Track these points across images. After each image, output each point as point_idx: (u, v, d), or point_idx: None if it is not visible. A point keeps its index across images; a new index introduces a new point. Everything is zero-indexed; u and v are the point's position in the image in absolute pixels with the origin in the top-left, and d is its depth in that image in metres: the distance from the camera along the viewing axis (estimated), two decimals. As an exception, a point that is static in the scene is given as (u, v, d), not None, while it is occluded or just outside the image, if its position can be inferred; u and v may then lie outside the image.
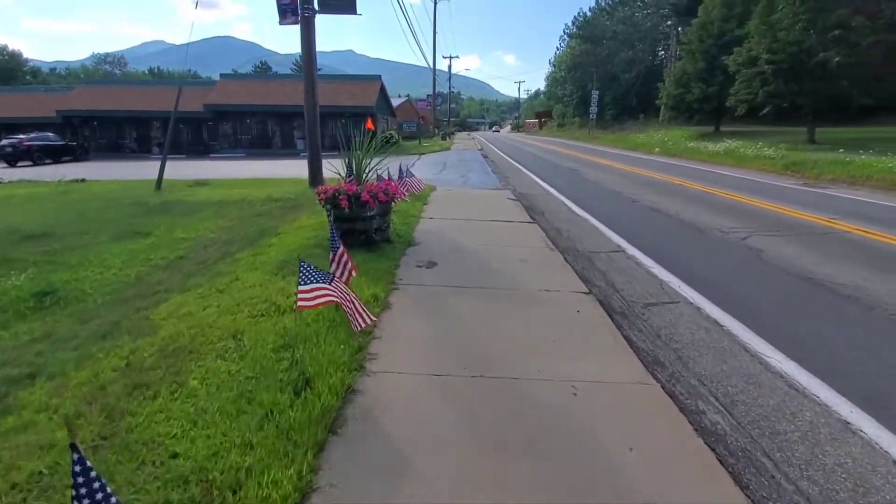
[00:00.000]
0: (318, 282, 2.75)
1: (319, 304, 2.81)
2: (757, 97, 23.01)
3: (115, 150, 35.81)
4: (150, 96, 36.14)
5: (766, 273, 5.40)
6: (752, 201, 10.17)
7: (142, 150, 35.88)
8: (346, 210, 5.11)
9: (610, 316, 3.89)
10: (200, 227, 7.53)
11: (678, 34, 41.82)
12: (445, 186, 12.42)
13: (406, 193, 7.64)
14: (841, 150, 17.52)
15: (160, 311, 3.87)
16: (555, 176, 15.52)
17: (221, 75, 36.93)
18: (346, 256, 3.46)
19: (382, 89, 35.59)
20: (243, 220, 7.88)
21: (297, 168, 20.56)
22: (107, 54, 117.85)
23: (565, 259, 5.44)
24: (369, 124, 11.76)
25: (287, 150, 34.40)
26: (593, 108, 50.32)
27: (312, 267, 2.80)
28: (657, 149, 28.75)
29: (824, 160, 16.78)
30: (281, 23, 10.81)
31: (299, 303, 2.72)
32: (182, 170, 20.62)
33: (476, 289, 4.27)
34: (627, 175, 15.67)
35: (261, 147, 34.64)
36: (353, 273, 3.55)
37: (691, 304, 4.50)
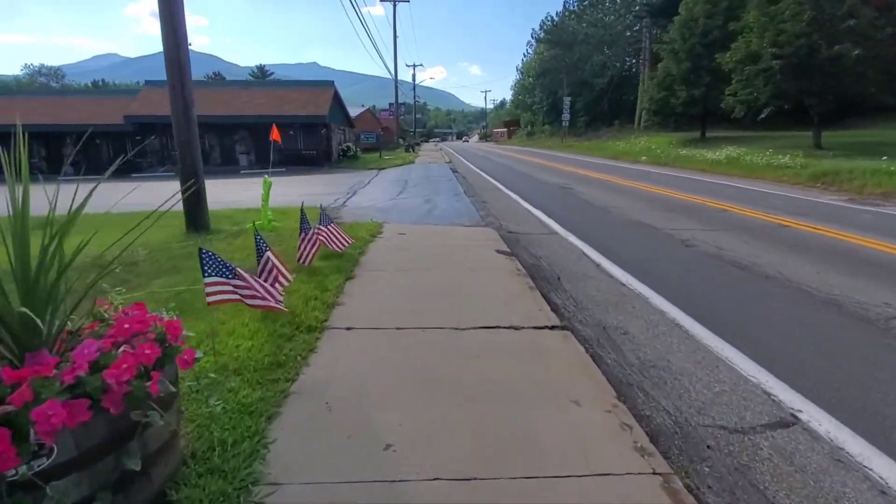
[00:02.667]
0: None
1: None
2: (759, 97, 20.24)
3: (18, 172, 30.38)
4: (62, 108, 31.06)
5: None
6: (852, 238, 6.77)
7: (52, 170, 30.53)
8: None
9: None
10: None
11: (651, 35, 39.62)
12: (401, 222, 8.59)
13: (278, 296, 3.48)
14: (884, 158, 14.68)
15: None
16: (547, 198, 11.91)
17: (147, 82, 32.07)
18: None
19: (337, 97, 31.55)
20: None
21: (224, 191, 16.23)
22: (41, 65, 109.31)
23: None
24: (274, 134, 7.85)
25: (227, 166, 29.82)
26: (566, 115, 47.74)
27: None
28: (644, 157, 25.86)
29: (861, 169, 13.86)
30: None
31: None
32: (63, 198, 16.00)
33: None
34: (635, 193, 12.24)
35: (196, 164, 29.96)
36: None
37: None
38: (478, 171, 21.70)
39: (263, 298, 2.89)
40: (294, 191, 15.81)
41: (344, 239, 5.43)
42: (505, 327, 3.56)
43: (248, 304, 2.89)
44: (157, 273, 5.25)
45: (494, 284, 4.60)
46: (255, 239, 3.55)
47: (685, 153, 23.62)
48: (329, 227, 5.30)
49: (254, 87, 33.08)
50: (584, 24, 48.69)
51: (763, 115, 21.72)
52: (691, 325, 3.97)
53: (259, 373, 2.72)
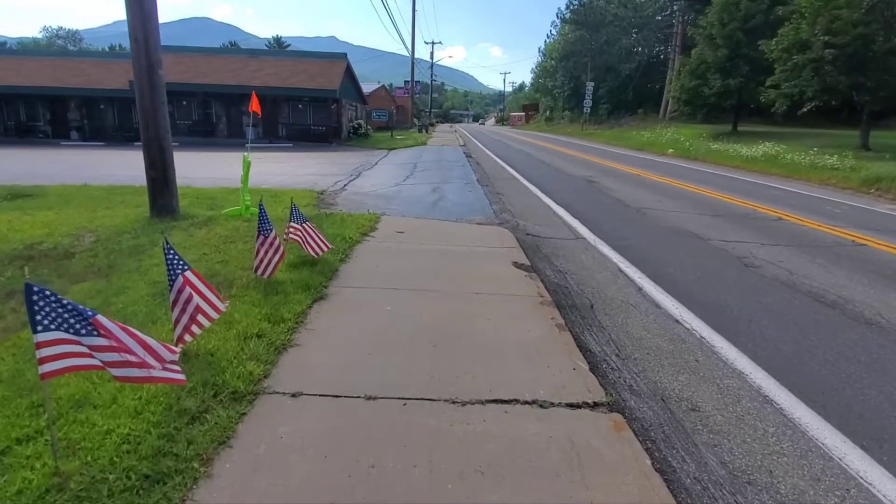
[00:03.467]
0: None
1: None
2: (806, 91, 18.48)
3: (24, 135, 29.64)
4: (68, 71, 30.00)
5: None
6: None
7: (56, 134, 29.77)
8: None
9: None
10: None
11: (685, 20, 37.33)
12: (402, 214, 7.44)
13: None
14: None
15: None
16: (571, 193, 10.64)
17: (154, 47, 30.86)
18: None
19: (349, 71, 30.14)
20: None
21: (220, 164, 14.86)
22: (60, 28, 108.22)
23: None
24: (254, 104, 6.71)
25: (235, 138, 28.74)
26: (587, 102, 45.68)
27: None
28: (671, 150, 24.26)
29: (920, 176, 12.40)
30: None
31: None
32: (60, 163, 15.16)
33: None
34: (669, 191, 10.90)
35: (202, 135, 28.94)
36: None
37: None
38: (494, 157, 20.35)
39: (142, 366, 1.77)
40: (295, 169, 14.70)
41: (322, 242, 4.28)
42: (526, 402, 2.42)
43: (115, 376, 1.79)
44: (85, 273, 4.17)
45: (512, 319, 3.45)
46: (166, 255, 2.42)
47: (717, 147, 22.01)
48: (304, 225, 4.16)
49: (263, 56, 31.75)
50: (614, 5, 46.16)
51: (804, 111, 19.99)
52: (790, 404, 2.79)
53: (116, 499, 1.61)
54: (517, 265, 4.76)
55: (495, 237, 6.06)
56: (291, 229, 4.07)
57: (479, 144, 29.72)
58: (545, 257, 5.48)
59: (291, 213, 4.04)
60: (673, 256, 5.75)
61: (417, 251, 5.07)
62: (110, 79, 29.52)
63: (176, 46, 32.16)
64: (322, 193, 9.73)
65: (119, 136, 28.82)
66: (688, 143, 24.69)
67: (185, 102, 28.68)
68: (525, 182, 12.18)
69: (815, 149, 17.40)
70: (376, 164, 16.57)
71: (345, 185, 11.11)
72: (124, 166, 15.39)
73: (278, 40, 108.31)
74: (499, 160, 18.59)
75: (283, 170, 14.51)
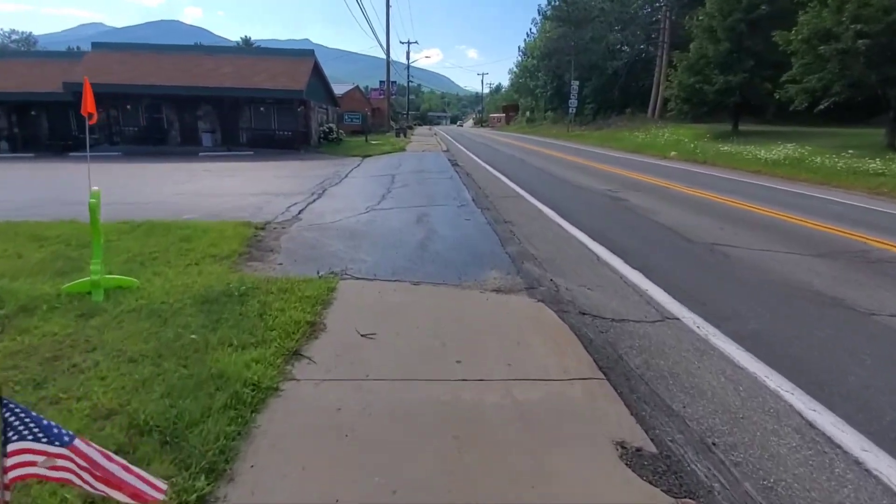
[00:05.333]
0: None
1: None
2: (832, 86, 16.42)
3: (-58, 145, 25.79)
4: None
5: None
6: None
7: (-18, 144, 26.00)
8: None
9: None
10: None
11: (672, 15, 35.55)
12: (374, 273, 4.75)
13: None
14: None
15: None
16: (600, 218, 8.09)
17: (94, 45, 27.38)
18: None
19: (317, 69, 27.17)
20: None
21: (154, 181, 10.71)
22: (12, 31, 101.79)
23: None
24: (87, 104, 3.89)
25: (189, 146, 25.41)
26: (573, 101, 43.61)
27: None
28: (673, 152, 22.11)
29: None
30: None
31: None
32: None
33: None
34: (723, 213, 8.43)
35: (152, 143, 25.46)
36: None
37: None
38: (483, 164, 17.74)
39: None
40: (244, 186, 11.80)
41: (133, 477, 1.55)
42: None
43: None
44: None
45: None
46: None
47: (727, 149, 19.89)
48: (71, 449, 1.44)
49: (221, 54, 28.46)
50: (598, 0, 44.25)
51: (821, 107, 17.93)
52: None
53: None
54: (630, 458, 2.09)
55: (539, 332, 3.42)
56: (21, 459, 1.35)
57: (463, 148, 27.13)
58: (641, 383, 2.86)
59: (6, 427, 1.32)
60: (868, 373, 3.19)
61: (400, 425, 2.33)
62: (44, 81, 25.85)
63: (119, 44, 28.63)
64: (263, 229, 6.94)
65: (54, 145, 25.22)
66: (692, 145, 22.59)
67: (129, 107, 25.26)
68: (533, 200, 9.59)
69: (850, 150, 15.35)
70: (346, 175, 13.81)
71: (300, 212, 8.35)
72: (28, 188, 12.27)
73: (247, 41, 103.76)
74: (490, 168, 15.99)
75: (228, 187, 11.61)
